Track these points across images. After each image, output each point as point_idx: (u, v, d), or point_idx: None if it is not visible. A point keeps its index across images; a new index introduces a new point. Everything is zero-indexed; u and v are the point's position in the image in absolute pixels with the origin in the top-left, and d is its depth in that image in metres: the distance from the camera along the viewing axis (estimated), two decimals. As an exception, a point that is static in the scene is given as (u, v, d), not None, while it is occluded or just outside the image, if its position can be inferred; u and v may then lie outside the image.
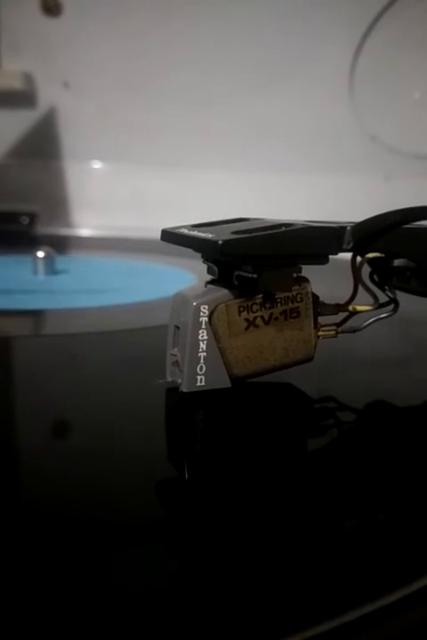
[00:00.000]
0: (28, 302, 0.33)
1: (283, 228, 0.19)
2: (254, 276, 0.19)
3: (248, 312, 0.20)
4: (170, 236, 0.20)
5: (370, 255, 0.21)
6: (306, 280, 0.20)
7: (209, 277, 0.21)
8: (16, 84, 0.60)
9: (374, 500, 0.15)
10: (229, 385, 0.20)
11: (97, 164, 0.62)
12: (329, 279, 0.24)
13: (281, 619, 0.11)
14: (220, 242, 0.18)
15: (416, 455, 0.18)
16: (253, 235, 0.18)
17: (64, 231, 0.60)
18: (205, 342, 0.19)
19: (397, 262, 0.22)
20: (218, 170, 0.59)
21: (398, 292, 0.22)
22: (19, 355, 0.27)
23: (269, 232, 0.19)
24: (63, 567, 0.12)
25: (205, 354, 0.19)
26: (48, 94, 0.61)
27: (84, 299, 0.34)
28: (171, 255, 0.39)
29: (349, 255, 0.21)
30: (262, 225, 0.19)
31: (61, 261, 0.41)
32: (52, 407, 0.20)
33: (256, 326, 0.20)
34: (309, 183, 0.57)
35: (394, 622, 0.11)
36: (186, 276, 0.38)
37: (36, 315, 0.32)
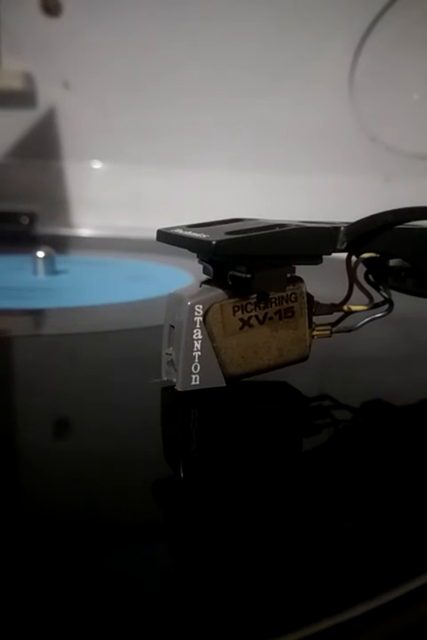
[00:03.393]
0: (28, 302, 0.33)
1: (276, 229, 0.19)
2: (248, 276, 0.19)
3: (243, 312, 0.20)
4: (165, 237, 0.20)
5: (365, 255, 0.21)
6: (300, 280, 0.21)
7: (205, 277, 0.21)
8: (16, 84, 0.60)
9: (371, 499, 0.15)
10: (224, 384, 0.20)
11: (97, 164, 0.62)
12: (324, 279, 0.24)
13: (279, 617, 0.11)
14: (213, 242, 0.18)
15: (412, 453, 0.18)
16: (247, 235, 0.18)
17: (64, 231, 0.60)
18: (199, 342, 0.19)
19: (392, 262, 0.22)
20: (218, 170, 0.59)
21: (393, 292, 0.22)
22: (19, 355, 0.27)
23: (263, 232, 0.19)
24: (62, 566, 0.12)
25: (199, 353, 0.19)
26: (48, 94, 0.61)
27: (84, 299, 0.34)
28: (170, 255, 0.39)
29: (344, 255, 0.21)
30: (257, 225, 0.19)
31: (61, 261, 0.41)
32: (51, 407, 0.20)
33: (251, 326, 0.20)
34: (309, 183, 0.57)
35: (392, 620, 0.11)
36: (184, 276, 0.38)
37: (36, 315, 0.32)
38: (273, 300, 0.20)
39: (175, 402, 0.20)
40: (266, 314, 0.20)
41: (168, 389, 0.20)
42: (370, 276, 0.22)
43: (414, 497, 0.15)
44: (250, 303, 0.20)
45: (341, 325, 0.22)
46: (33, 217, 0.59)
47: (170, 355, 0.20)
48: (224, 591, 0.12)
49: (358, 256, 0.21)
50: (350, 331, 0.22)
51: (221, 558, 0.13)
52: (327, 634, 0.11)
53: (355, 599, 0.11)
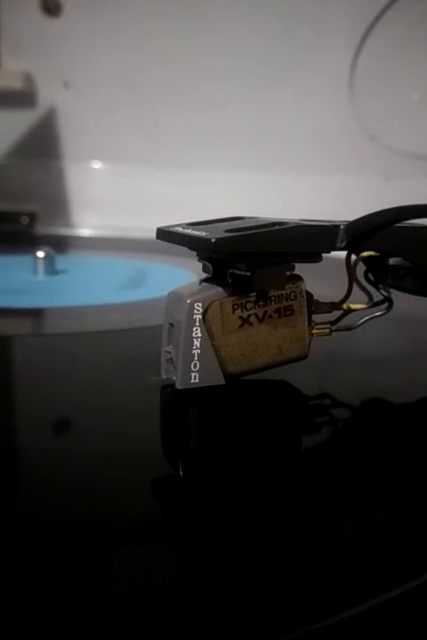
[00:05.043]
0: (28, 302, 0.33)
1: (276, 227, 0.19)
2: (248, 273, 0.19)
3: (242, 310, 0.20)
4: (165, 235, 0.20)
5: (365, 254, 0.21)
6: (300, 278, 0.21)
7: (204, 275, 0.21)
8: (16, 83, 0.60)
9: (370, 498, 0.15)
10: (224, 382, 0.20)
11: (97, 164, 0.62)
12: (324, 277, 0.24)
13: (278, 617, 0.11)
14: (213, 240, 0.18)
15: (411, 452, 0.18)
16: (246, 233, 0.18)
17: (64, 231, 0.60)
18: (199, 340, 0.19)
19: (392, 261, 0.22)
20: (218, 170, 0.59)
21: (392, 291, 0.22)
22: (19, 355, 0.27)
23: (262, 230, 0.19)
24: (62, 566, 0.12)
25: (199, 351, 0.19)
26: (48, 94, 0.62)
27: (83, 299, 0.34)
28: (170, 254, 0.39)
29: (343, 253, 0.21)
30: (256, 223, 0.19)
31: (61, 261, 0.41)
32: (50, 406, 0.20)
33: (250, 324, 0.20)
34: (308, 183, 0.57)
35: (390, 621, 0.11)
36: (185, 275, 0.38)
37: (36, 315, 0.32)
38: (272, 298, 0.20)
39: (175, 400, 0.20)
40: (265, 312, 0.20)
41: (168, 387, 0.20)
42: (370, 275, 0.22)
43: (414, 496, 0.15)
44: (249, 301, 0.20)
45: (340, 324, 0.22)
46: (33, 217, 0.59)
47: (169, 353, 0.20)
48: (225, 590, 0.12)
49: (357, 254, 0.21)
50: (349, 329, 0.22)
51: (222, 557, 0.13)
52: (327, 634, 0.11)
53: (353, 599, 0.11)
